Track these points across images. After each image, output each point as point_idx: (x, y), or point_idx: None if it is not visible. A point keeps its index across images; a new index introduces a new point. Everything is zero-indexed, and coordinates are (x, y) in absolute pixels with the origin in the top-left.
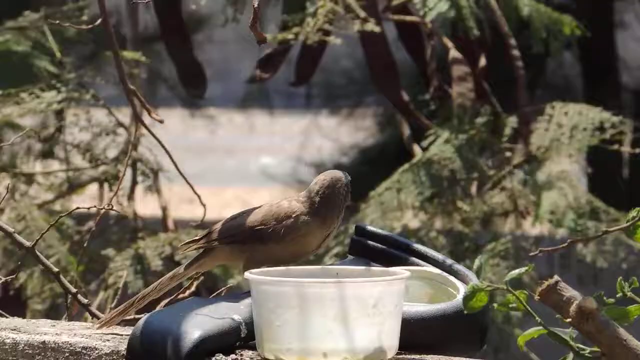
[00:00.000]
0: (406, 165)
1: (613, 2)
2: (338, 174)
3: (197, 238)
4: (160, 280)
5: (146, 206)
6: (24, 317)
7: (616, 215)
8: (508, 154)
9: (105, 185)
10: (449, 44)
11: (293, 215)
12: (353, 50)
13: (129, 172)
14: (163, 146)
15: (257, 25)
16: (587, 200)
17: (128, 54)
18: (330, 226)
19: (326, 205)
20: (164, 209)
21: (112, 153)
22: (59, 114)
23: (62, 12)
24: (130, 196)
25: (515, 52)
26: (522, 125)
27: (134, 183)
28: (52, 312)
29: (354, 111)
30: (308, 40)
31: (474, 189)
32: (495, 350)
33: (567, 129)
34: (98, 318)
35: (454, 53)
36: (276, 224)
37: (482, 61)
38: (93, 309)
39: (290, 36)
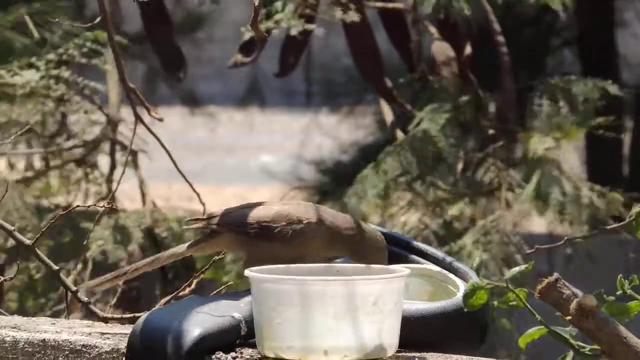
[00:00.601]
0: (390, 147)
1: (613, 0)
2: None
3: (203, 217)
4: (158, 255)
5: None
6: None
7: (611, 196)
8: (491, 131)
9: (85, 169)
10: (433, 30)
11: (304, 221)
12: None
13: (106, 156)
14: (162, 144)
15: (257, 23)
16: (578, 179)
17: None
18: (336, 239)
19: (336, 219)
20: (142, 185)
21: (90, 135)
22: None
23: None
24: (109, 178)
25: (500, 38)
26: (506, 105)
27: (113, 165)
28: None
29: (354, 109)
30: (291, 28)
31: (459, 168)
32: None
33: (563, 104)
34: (98, 316)
35: (437, 39)
36: (285, 225)
37: (468, 49)
38: (93, 307)
39: (272, 25)
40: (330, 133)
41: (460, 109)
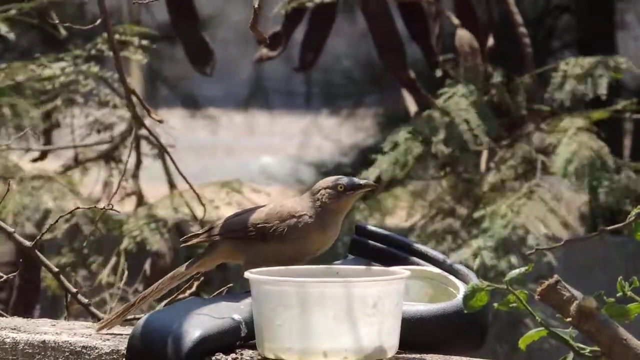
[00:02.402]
0: (424, 113)
1: (614, 2)
2: (341, 179)
3: (198, 232)
4: (160, 280)
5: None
6: None
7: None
8: (524, 112)
9: (111, 165)
10: (456, 21)
11: (297, 216)
12: (353, 50)
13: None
14: (163, 146)
15: (257, 26)
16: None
17: (130, 55)
18: (329, 229)
19: (326, 209)
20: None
21: (117, 130)
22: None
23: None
24: (135, 174)
25: (523, 30)
26: (533, 89)
27: (139, 161)
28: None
29: (354, 111)
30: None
31: (484, 157)
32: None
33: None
34: (99, 318)
35: (460, 29)
36: (279, 223)
37: (490, 41)
38: (93, 308)
39: (295, 5)
40: (330, 135)
41: (489, 91)
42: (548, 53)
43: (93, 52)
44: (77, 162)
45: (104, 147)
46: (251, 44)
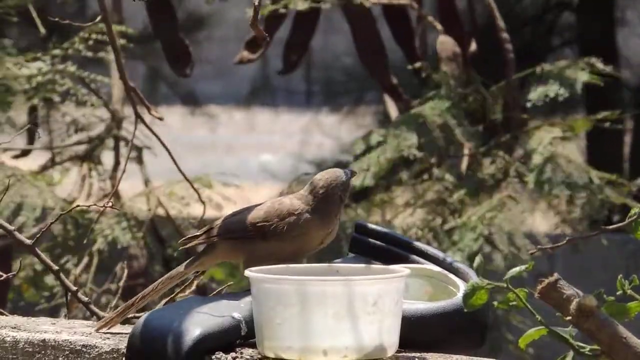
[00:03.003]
0: (400, 117)
1: None
2: (337, 172)
3: (197, 234)
4: (159, 280)
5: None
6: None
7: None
8: (500, 119)
9: (89, 166)
10: (439, 26)
11: (295, 213)
12: (353, 47)
13: (110, 152)
14: (163, 144)
15: (257, 23)
16: (583, 166)
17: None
18: (329, 224)
19: (325, 203)
20: (146, 181)
21: (95, 131)
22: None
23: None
24: (113, 175)
25: (505, 35)
26: (511, 98)
27: (117, 162)
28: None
29: (354, 109)
30: (298, 6)
31: (464, 165)
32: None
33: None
34: (98, 316)
35: (442, 34)
36: (278, 220)
37: (473, 46)
38: (93, 307)
39: (280, 7)
40: (331, 133)
41: (466, 99)
42: (548, 50)
43: (70, 51)
44: (54, 162)
45: (83, 147)
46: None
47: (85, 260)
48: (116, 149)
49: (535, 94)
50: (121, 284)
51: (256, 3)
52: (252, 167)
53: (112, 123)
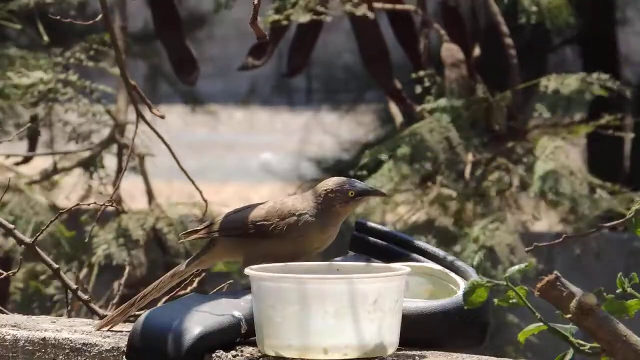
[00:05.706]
0: (405, 132)
1: None
2: (342, 180)
3: (198, 228)
4: (160, 279)
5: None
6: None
7: (612, 188)
8: (504, 127)
9: (91, 169)
10: (442, 32)
11: (297, 214)
12: (354, 45)
13: (113, 158)
14: (164, 142)
15: (257, 22)
16: (584, 175)
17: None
18: (329, 229)
19: (327, 208)
20: (148, 188)
21: (97, 137)
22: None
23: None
24: (115, 182)
25: (508, 40)
26: (515, 105)
27: (120, 169)
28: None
29: (354, 107)
30: (299, 18)
31: (467, 170)
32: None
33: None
34: (99, 315)
35: (447, 40)
36: (279, 220)
37: (476, 51)
38: (93, 305)
39: (282, 19)
40: (331, 131)
41: (470, 108)
42: (548, 49)
43: (72, 60)
44: (56, 170)
45: (85, 154)
46: (251, 40)
47: (85, 271)
48: (119, 155)
49: (543, 109)
50: (119, 293)
51: (256, 2)
52: (253, 166)
53: (115, 130)
